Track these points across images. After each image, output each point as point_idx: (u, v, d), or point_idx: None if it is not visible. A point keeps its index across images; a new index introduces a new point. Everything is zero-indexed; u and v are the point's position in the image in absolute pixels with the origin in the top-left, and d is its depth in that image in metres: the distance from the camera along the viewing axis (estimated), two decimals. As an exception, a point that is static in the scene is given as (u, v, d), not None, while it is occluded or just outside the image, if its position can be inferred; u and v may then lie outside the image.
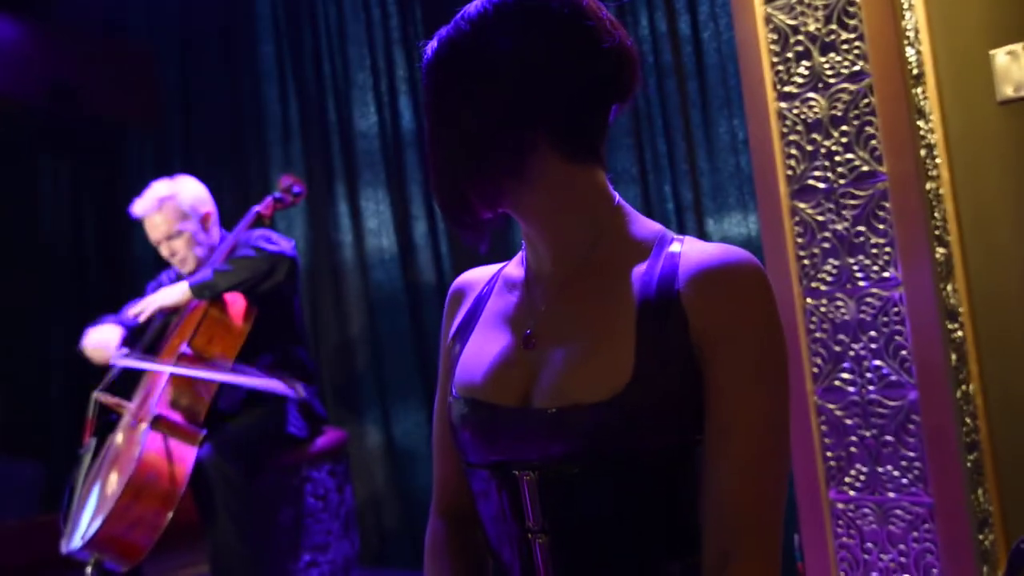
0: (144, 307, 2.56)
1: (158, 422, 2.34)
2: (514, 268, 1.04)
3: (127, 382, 2.62)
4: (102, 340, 2.56)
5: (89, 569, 2.17)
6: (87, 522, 2.25)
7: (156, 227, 2.69)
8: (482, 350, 0.99)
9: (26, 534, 3.84)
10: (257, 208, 2.82)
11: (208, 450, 2.37)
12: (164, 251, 2.74)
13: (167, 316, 2.61)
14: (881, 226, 1.86)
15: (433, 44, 0.93)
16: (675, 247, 0.92)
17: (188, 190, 2.75)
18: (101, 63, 4.51)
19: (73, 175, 5.27)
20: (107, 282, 4.93)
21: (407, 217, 3.58)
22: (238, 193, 4.28)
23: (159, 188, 2.73)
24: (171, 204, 2.68)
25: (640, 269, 0.91)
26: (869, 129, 1.87)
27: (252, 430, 2.51)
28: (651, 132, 2.83)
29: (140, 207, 2.72)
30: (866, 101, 1.88)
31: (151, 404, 2.39)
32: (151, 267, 4.20)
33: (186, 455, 2.32)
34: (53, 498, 4.28)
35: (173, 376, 2.42)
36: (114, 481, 2.29)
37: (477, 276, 1.09)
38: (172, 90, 4.63)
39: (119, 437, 2.52)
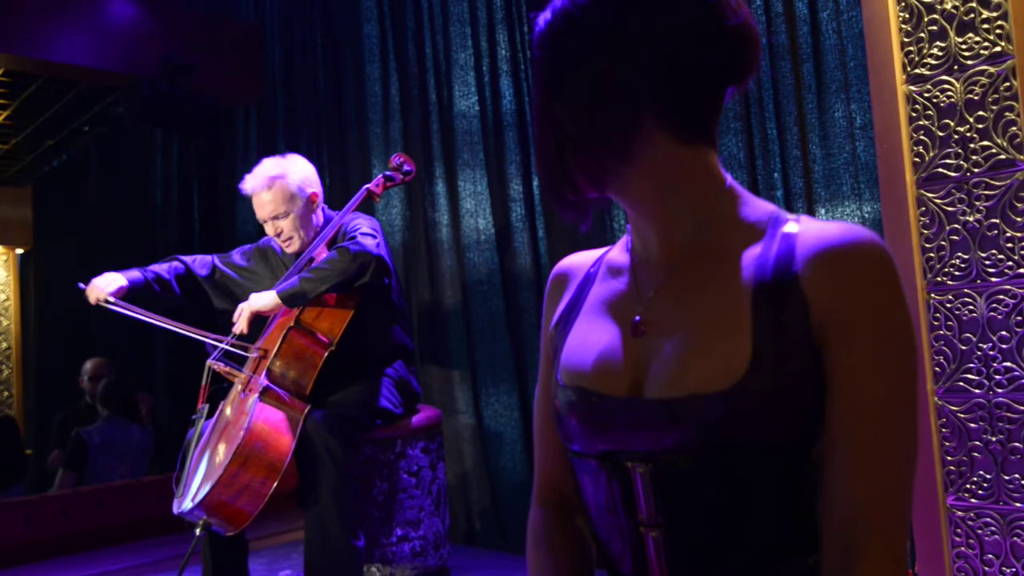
0: (239, 313, 2.59)
1: (267, 394, 2.40)
2: (618, 253, 1.01)
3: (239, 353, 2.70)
4: (100, 283, 2.63)
5: (198, 531, 2.25)
6: (197, 486, 2.33)
7: (264, 205, 2.71)
8: (588, 338, 0.96)
9: (136, 493, 4.04)
10: (368, 186, 2.83)
11: (313, 422, 2.42)
12: (270, 229, 2.76)
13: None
14: (1019, 219, 1.74)
15: (547, 15, 0.90)
16: (791, 227, 0.87)
17: (297, 170, 2.75)
18: (210, 41, 4.66)
19: (182, 149, 5.49)
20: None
21: (505, 199, 3.56)
22: (338, 171, 4.36)
23: (269, 166, 2.74)
24: (280, 183, 2.69)
25: (754, 252, 0.87)
26: (1009, 115, 1.76)
27: (354, 405, 2.55)
28: (761, 116, 2.73)
29: (250, 184, 2.73)
30: (1007, 85, 1.76)
31: (261, 376, 2.46)
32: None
33: (292, 427, 2.38)
34: (159, 460, 4.51)
35: (282, 349, 2.47)
36: (223, 449, 2.36)
37: (579, 261, 1.06)
38: (276, 69, 4.75)
39: (229, 406, 2.60)
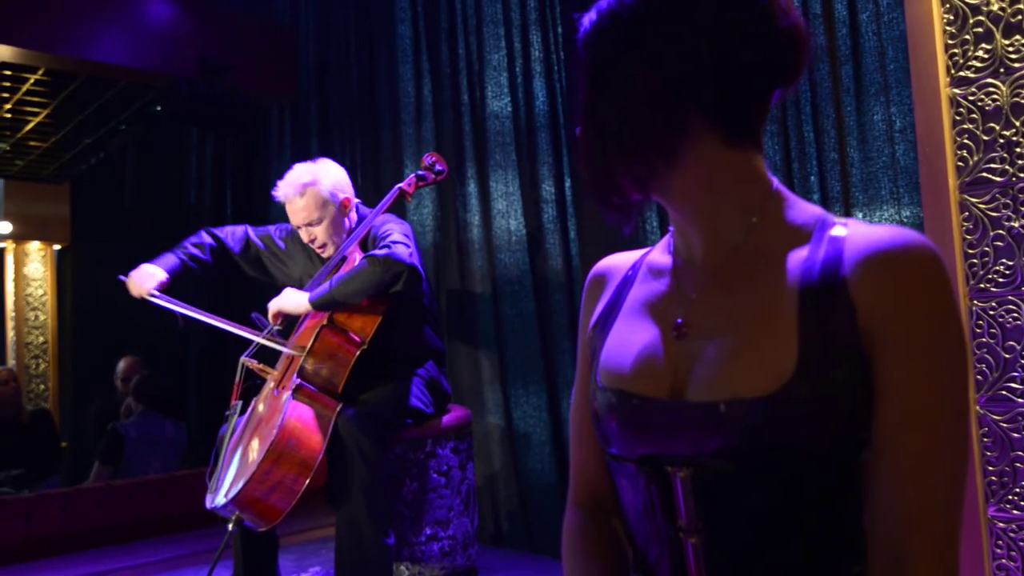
0: (271, 313, 2.61)
1: (300, 391, 2.42)
2: (659, 255, 1.00)
3: (272, 351, 2.71)
4: (140, 277, 2.64)
5: (231, 526, 2.27)
6: (230, 482, 2.35)
7: (297, 212, 2.71)
8: (628, 339, 0.95)
9: (169, 487, 4.10)
10: (400, 185, 2.84)
11: (344, 421, 2.43)
12: (304, 236, 2.76)
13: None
14: (1066, 225, 1.71)
15: (592, 16, 0.90)
16: (838, 231, 0.86)
17: (329, 176, 2.75)
18: (245, 41, 4.71)
19: (217, 149, 5.55)
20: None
21: (536, 200, 3.56)
22: (370, 171, 4.39)
23: (301, 173, 2.73)
24: (313, 190, 2.69)
25: (800, 255, 0.86)
26: (1057, 119, 1.72)
27: (385, 404, 2.56)
28: (798, 119, 2.70)
29: (283, 191, 2.73)
30: (1055, 88, 1.72)
31: (294, 373, 2.48)
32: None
33: (324, 425, 2.39)
34: (192, 455, 4.56)
35: (315, 348, 2.49)
36: (256, 446, 2.38)
37: (619, 262, 1.05)
38: (311, 69, 4.79)
39: (262, 403, 2.62)
